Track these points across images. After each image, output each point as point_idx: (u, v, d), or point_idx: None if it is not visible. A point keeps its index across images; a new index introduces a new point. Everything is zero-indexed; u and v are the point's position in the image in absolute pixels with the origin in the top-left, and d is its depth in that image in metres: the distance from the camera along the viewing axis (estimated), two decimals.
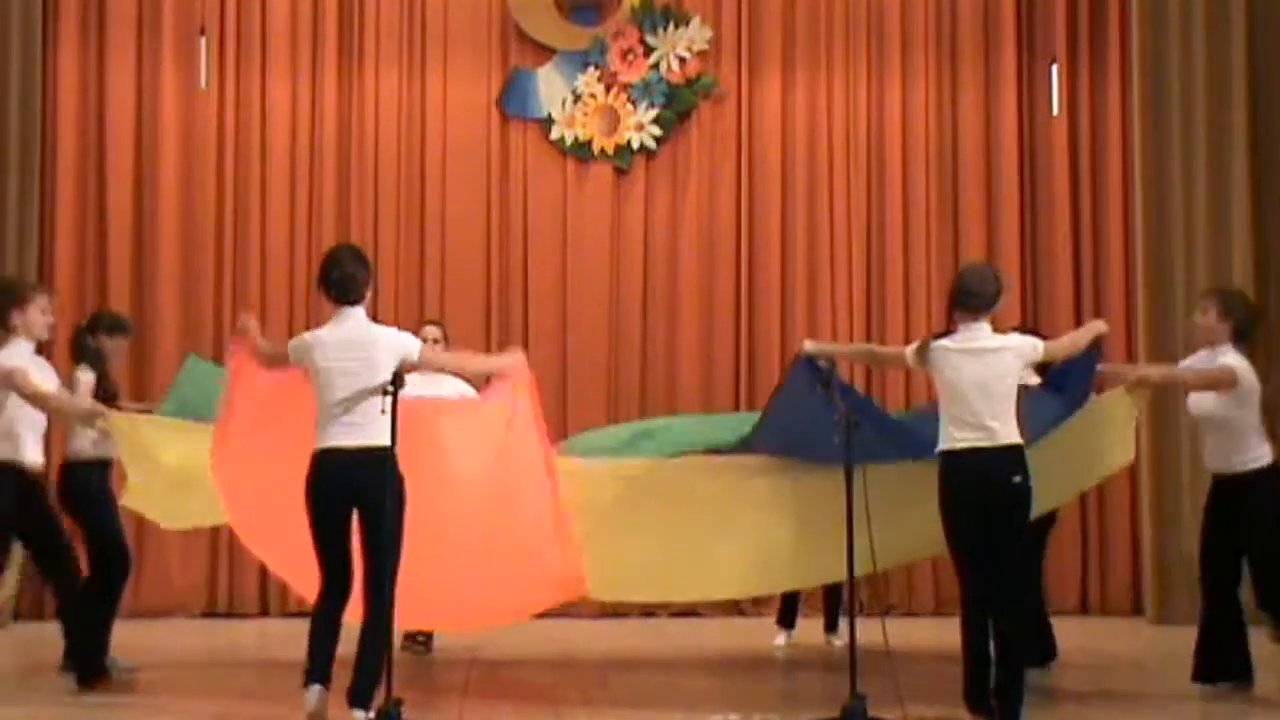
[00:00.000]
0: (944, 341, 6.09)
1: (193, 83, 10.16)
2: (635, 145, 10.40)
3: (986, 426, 5.88)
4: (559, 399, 10.34)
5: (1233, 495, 6.70)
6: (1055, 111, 10.38)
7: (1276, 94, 9.62)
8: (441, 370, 6.97)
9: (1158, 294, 9.72)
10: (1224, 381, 6.63)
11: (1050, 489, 6.40)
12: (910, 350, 6.19)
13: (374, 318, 6.07)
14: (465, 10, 10.42)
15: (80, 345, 7.25)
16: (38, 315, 6.80)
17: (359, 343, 5.84)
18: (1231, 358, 6.69)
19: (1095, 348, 6.59)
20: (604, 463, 7.22)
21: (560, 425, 10.31)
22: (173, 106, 10.18)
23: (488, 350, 9.60)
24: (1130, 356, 10.12)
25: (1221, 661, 6.76)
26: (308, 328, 9.91)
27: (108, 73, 10.18)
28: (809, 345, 6.71)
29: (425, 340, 7.17)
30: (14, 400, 6.60)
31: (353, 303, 5.92)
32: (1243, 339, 6.77)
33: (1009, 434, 5.92)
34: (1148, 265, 9.78)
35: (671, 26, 10.44)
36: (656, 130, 10.41)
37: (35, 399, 6.58)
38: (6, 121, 9.74)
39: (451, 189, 10.37)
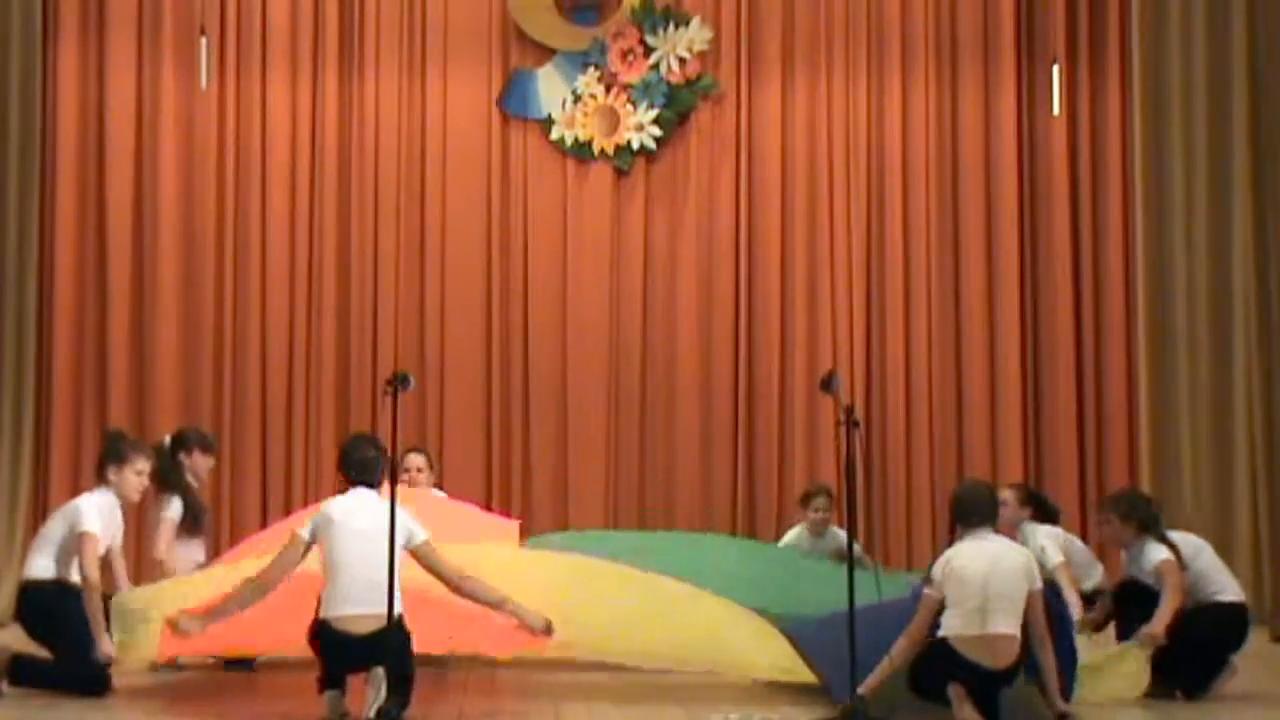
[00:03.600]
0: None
1: (193, 83, 10.15)
2: (635, 146, 10.39)
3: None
4: (559, 399, 10.35)
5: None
6: (1056, 112, 10.38)
7: (1276, 94, 9.62)
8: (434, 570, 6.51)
9: (1158, 294, 9.73)
10: (1180, 578, 6.79)
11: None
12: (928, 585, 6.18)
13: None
14: (465, 10, 10.42)
15: (166, 472, 7.38)
16: (132, 477, 6.95)
17: (375, 527, 5.93)
18: (1155, 553, 6.84)
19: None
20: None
21: (560, 425, 10.35)
22: (173, 106, 10.18)
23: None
24: (1130, 356, 10.14)
25: None
26: (308, 327, 10.09)
27: (108, 73, 10.18)
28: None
29: (410, 469, 7.81)
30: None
31: (369, 484, 6.20)
32: (1149, 530, 6.94)
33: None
34: (1148, 265, 9.79)
35: (671, 27, 10.44)
36: (656, 131, 10.40)
37: (86, 577, 6.67)
38: (6, 121, 9.75)
39: (451, 189, 10.36)
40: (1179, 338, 9.67)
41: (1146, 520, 6.97)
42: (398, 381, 5.87)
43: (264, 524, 9.94)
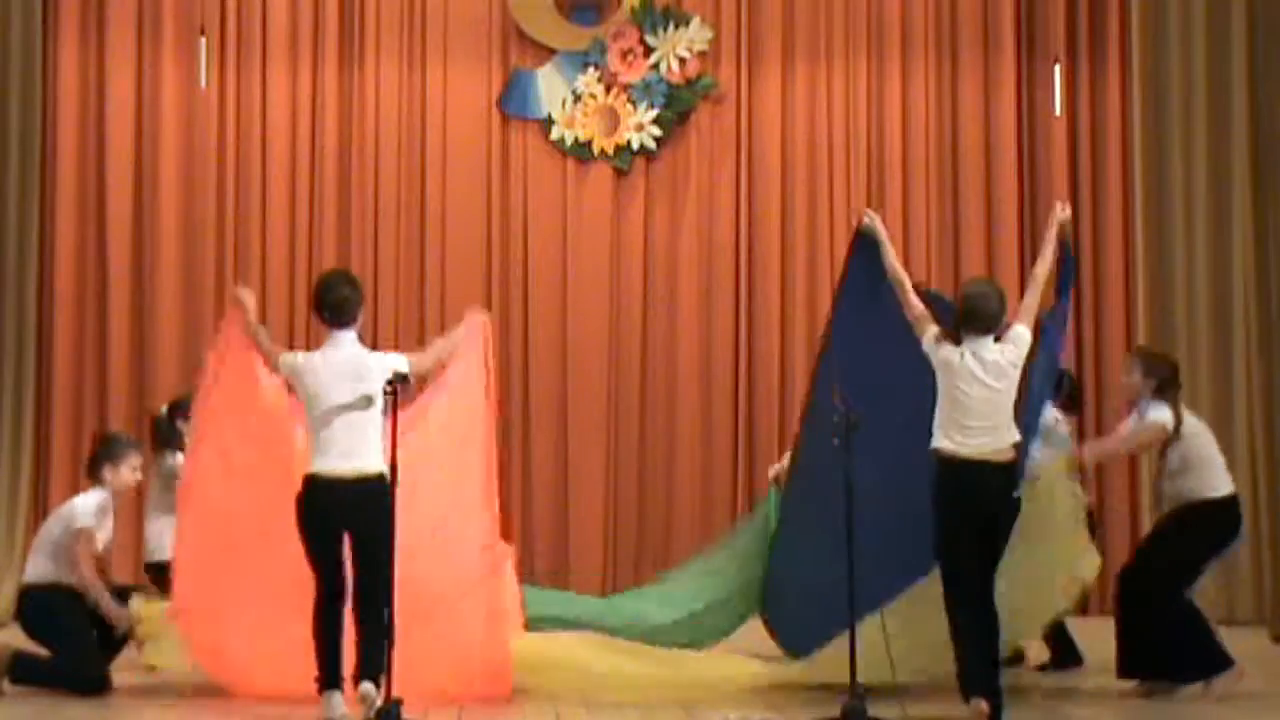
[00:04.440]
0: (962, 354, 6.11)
1: (193, 83, 10.16)
2: (635, 146, 10.39)
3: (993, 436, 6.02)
4: (559, 399, 10.35)
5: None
6: (1058, 112, 10.38)
7: (1277, 94, 9.62)
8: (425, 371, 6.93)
9: (1158, 294, 9.72)
10: (1156, 438, 6.83)
11: (1024, 621, 6.49)
12: (931, 335, 6.19)
13: (373, 334, 6.15)
14: (465, 10, 10.41)
15: (163, 430, 7.46)
16: (128, 473, 7.02)
17: (351, 368, 5.91)
18: (1155, 412, 6.87)
19: (1064, 250, 6.66)
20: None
21: (561, 425, 10.35)
22: (173, 106, 10.18)
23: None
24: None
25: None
26: (308, 327, 10.05)
27: (108, 73, 10.18)
28: (869, 220, 6.71)
29: None
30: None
31: (345, 326, 6.00)
32: (1164, 393, 6.93)
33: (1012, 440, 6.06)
34: (1148, 265, 9.78)
35: (671, 27, 10.43)
36: (656, 131, 10.40)
37: (84, 573, 6.74)
38: (6, 121, 9.75)
39: (451, 189, 10.36)
40: (1179, 338, 9.66)
41: (1166, 383, 6.95)
42: (397, 382, 5.86)
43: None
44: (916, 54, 10.52)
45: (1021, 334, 6.19)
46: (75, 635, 6.75)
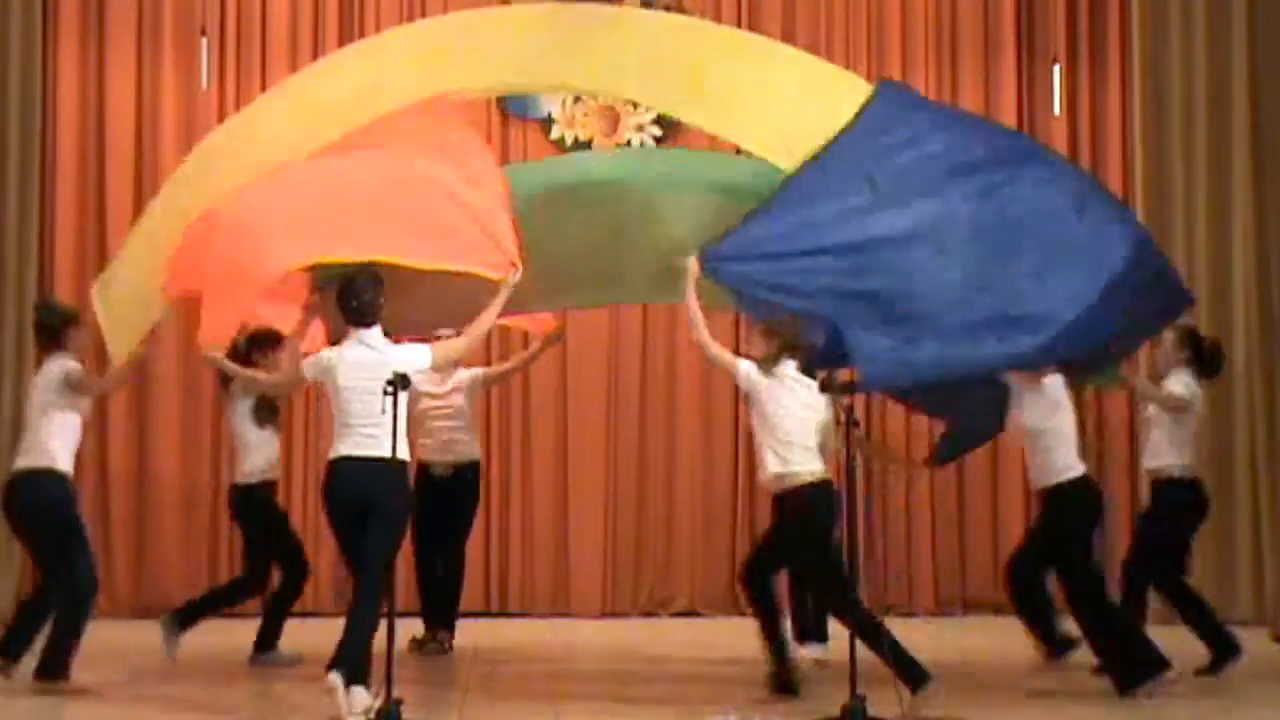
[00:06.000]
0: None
1: (193, 83, 10.17)
2: (635, 145, 10.39)
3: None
4: (559, 398, 10.35)
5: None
6: (1057, 112, 10.38)
7: (1277, 93, 9.63)
8: (458, 363, 7.30)
9: None
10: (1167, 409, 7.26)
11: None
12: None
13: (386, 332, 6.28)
14: (465, 10, 10.40)
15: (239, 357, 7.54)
16: (84, 333, 7.22)
17: (376, 362, 6.10)
18: (1179, 385, 7.18)
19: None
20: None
21: (561, 425, 10.35)
22: (173, 106, 10.19)
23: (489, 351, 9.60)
24: (1130, 356, 10.11)
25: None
26: None
27: (108, 73, 10.19)
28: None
29: (440, 338, 7.17)
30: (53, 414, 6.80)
31: (369, 325, 6.21)
32: (1192, 364, 7.30)
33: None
34: None
35: None
36: (657, 131, 10.41)
37: (108, 382, 7.18)
38: (6, 121, 9.75)
39: None
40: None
41: (1196, 355, 7.25)
42: (397, 382, 5.87)
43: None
44: (917, 54, 10.53)
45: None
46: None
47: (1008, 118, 10.44)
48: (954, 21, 10.57)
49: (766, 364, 6.43)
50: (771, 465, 6.40)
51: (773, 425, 6.38)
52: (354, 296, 6.19)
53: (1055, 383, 6.80)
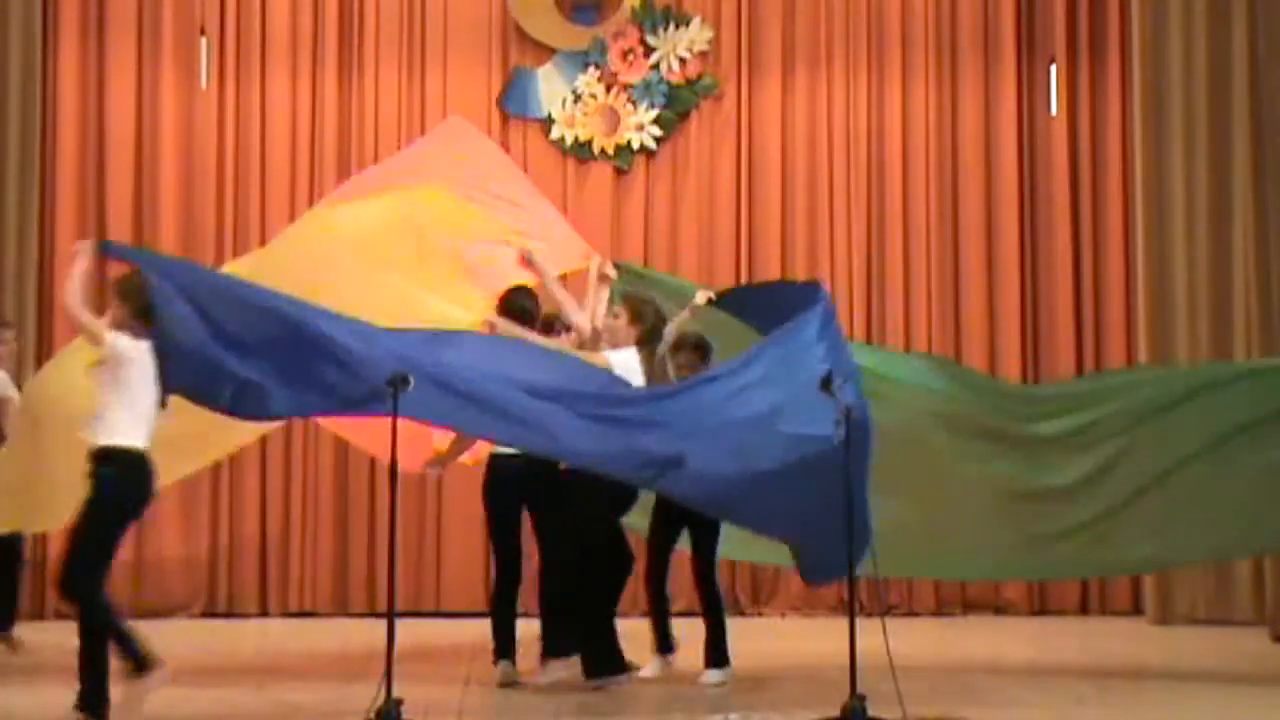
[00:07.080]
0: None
1: (193, 83, 10.16)
2: (635, 146, 10.40)
3: None
4: None
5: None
6: (1054, 111, 10.38)
7: (1276, 94, 9.61)
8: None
9: (1158, 294, 9.71)
10: None
11: None
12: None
13: None
14: (465, 10, 10.42)
15: None
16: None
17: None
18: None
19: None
20: None
21: None
22: (173, 106, 10.19)
23: None
24: (1130, 357, 10.12)
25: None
26: None
27: (108, 73, 10.18)
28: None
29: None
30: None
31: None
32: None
33: None
34: (1148, 265, 9.77)
35: (672, 27, 10.44)
36: (657, 131, 10.41)
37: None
38: (6, 121, 9.75)
39: None
40: (1179, 338, 9.65)
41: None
42: (397, 382, 5.87)
43: (263, 523, 9.98)
44: (916, 54, 10.51)
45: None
46: None
47: (1008, 118, 10.43)
48: (954, 22, 10.56)
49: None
50: None
51: None
52: (513, 302, 7.19)
53: None
